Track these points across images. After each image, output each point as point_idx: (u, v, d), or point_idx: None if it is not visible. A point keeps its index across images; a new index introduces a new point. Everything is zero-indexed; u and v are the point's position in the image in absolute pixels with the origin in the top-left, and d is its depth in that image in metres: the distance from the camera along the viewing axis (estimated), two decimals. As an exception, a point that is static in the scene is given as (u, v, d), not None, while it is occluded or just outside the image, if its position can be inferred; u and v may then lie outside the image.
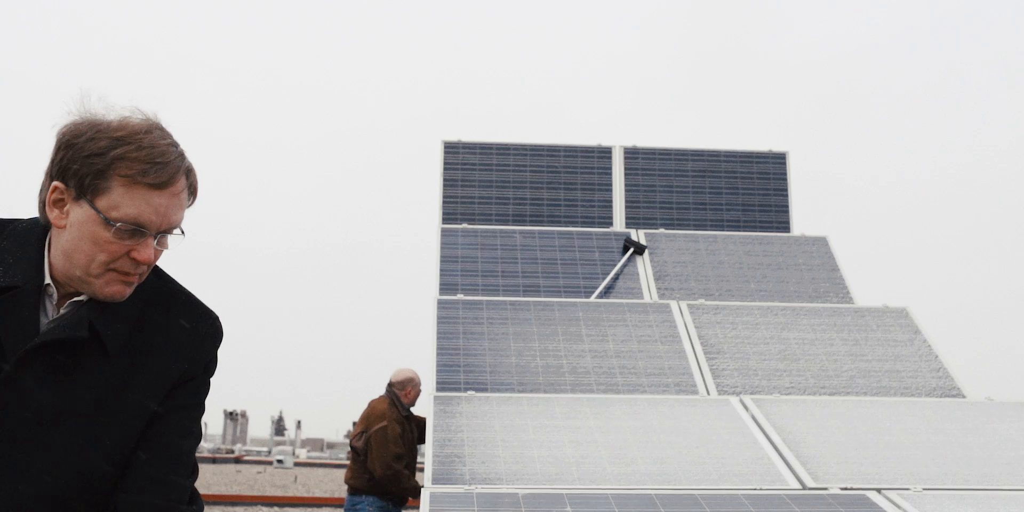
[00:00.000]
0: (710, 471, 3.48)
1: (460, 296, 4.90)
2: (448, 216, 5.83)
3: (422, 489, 3.29)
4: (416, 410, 6.02)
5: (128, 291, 1.56)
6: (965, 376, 4.46)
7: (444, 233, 5.56)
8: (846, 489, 3.36)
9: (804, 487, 3.38)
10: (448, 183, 5.93)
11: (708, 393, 4.26)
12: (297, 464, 32.09)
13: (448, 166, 5.99)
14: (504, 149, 6.06)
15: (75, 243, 1.52)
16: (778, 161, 6.15)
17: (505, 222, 5.82)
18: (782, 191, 6.06)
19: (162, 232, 1.55)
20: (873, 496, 3.26)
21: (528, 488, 3.29)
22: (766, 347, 4.60)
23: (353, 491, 5.92)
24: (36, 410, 1.50)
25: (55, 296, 1.56)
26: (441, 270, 5.29)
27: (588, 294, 5.20)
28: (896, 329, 4.79)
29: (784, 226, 5.97)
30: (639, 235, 5.66)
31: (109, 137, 1.50)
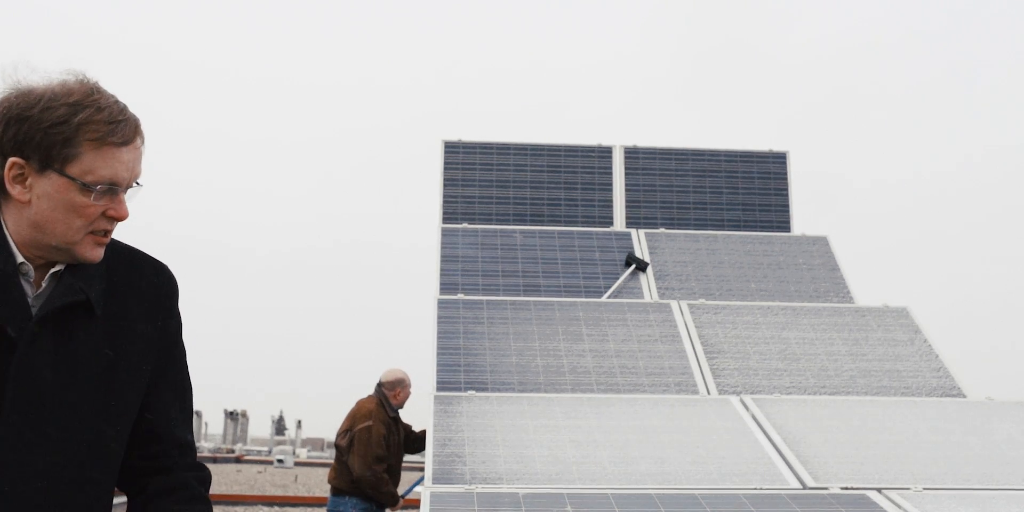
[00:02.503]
0: (710, 471, 3.48)
1: (460, 296, 4.90)
2: (448, 216, 5.83)
3: (423, 490, 3.29)
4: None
5: (103, 251, 1.58)
6: (965, 376, 4.46)
7: (444, 233, 5.57)
8: (847, 489, 3.36)
9: (804, 487, 3.38)
10: (448, 182, 5.93)
11: (708, 393, 4.26)
12: (298, 464, 32.11)
13: (448, 165, 5.99)
14: (504, 149, 6.06)
15: (49, 213, 1.51)
16: (778, 161, 6.15)
17: (505, 222, 5.82)
18: (782, 191, 6.06)
19: (128, 187, 1.56)
20: (874, 496, 3.26)
21: (528, 488, 3.29)
22: (766, 347, 4.60)
23: (336, 492, 5.78)
24: (49, 386, 1.52)
25: (31, 273, 1.56)
26: (441, 270, 5.29)
27: (589, 294, 5.20)
28: (896, 329, 4.79)
29: (784, 226, 5.97)
30: (639, 235, 5.66)
31: (65, 103, 1.49)
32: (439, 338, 4.54)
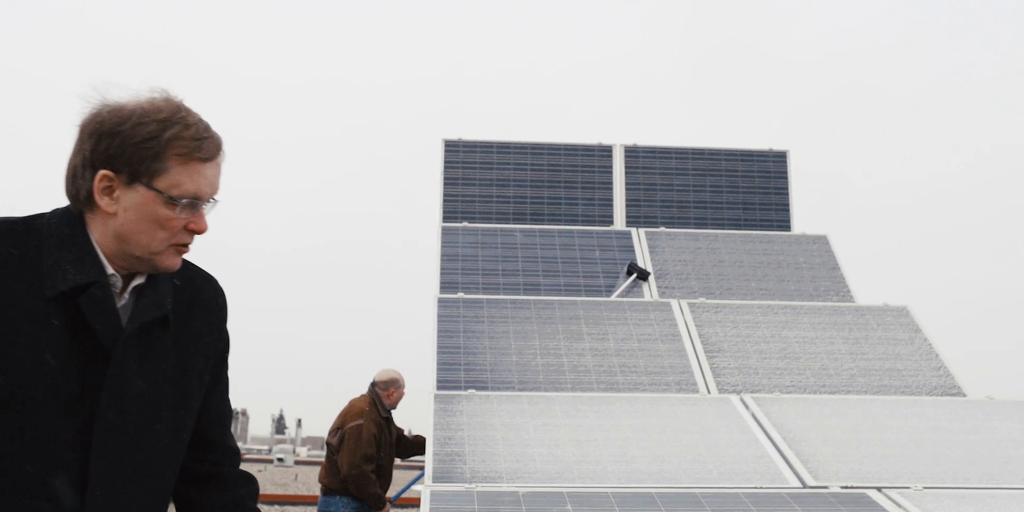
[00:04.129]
0: (710, 469, 3.49)
1: (460, 295, 4.90)
2: (448, 214, 5.82)
3: (423, 489, 3.29)
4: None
5: (180, 260, 1.65)
6: (965, 375, 4.46)
7: (444, 231, 5.56)
8: (847, 488, 3.36)
9: (804, 486, 3.38)
10: (449, 181, 5.93)
11: (708, 392, 4.26)
12: (298, 462, 32.11)
13: (449, 164, 5.99)
14: (505, 147, 6.06)
15: (134, 225, 1.57)
16: (779, 160, 6.15)
17: (506, 220, 5.82)
18: (783, 190, 6.06)
19: (207, 202, 1.63)
20: (874, 495, 3.26)
21: (529, 486, 3.29)
22: (767, 346, 4.60)
23: (327, 491, 5.69)
24: (137, 399, 1.58)
25: (118, 284, 1.61)
26: (442, 268, 5.29)
27: (589, 293, 5.20)
28: (897, 328, 4.79)
29: (785, 225, 5.97)
30: (639, 234, 5.66)
31: (155, 120, 1.55)
32: (439, 337, 4.54)
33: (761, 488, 3.33)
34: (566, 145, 6.11)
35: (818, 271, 5.45)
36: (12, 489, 1.50)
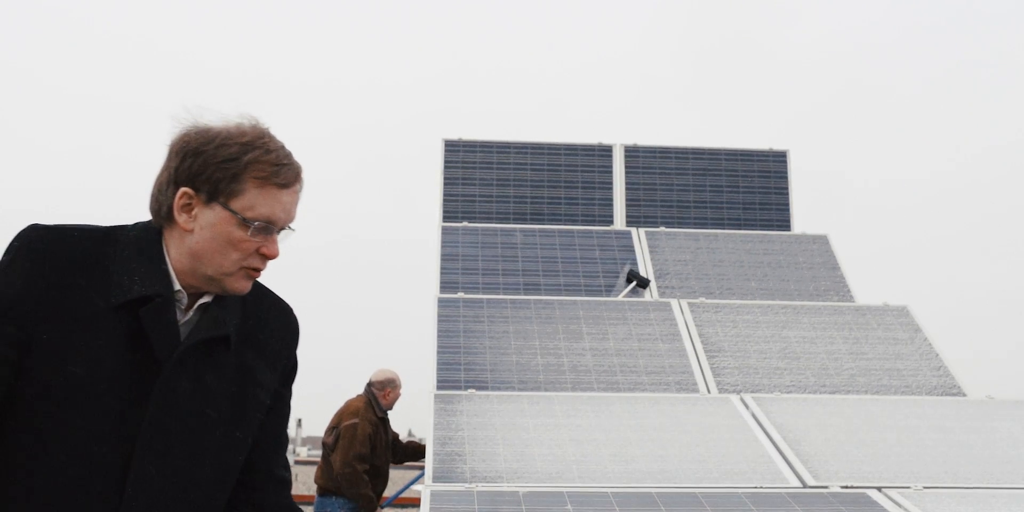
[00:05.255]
0: (711, 469, 3.48)
1: (461, 294, 4.90)
2: (449, 214, 5.82)
3: (423, 489, 3.29)
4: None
5: (250, 285, 1.67)
6: (965, 375, 4.46)
7: (445, 231, 5.56)
8: (847, 487, 3.36)
9: (805, 485, 3.38)
10: (449, 181, 5.93)
11: (709, 391, 4.26)
12: (298, 462, 32.04)
13: (449, 164, 5.99)
14: (505, 147, 6.06)
15: (208, 244, 1.60)
16: (779, 159, 6.15)
17: (506, 220, 5.82)
18: (783, 189, 6.06)
19: (282, 228, 1.65)
20: (874, 494, 3.26)
21: (529, 486, 3.29)
22: (767, 345, 4.60)
23: (322, 492, 5.65)
24: (186, 413, 1.59)
25: (184, 300, 1.64)
26: (442, 268, 5.29)
27: (589, 292, 5.20)
28: (897, 327, 4.79)
29: (785, 224, 5.97)
30: (639, 234, 5.66)
31: (238, 143, 1.60)
32: (439, 336, 4.54)
33: (761, 488, 3.33)
34: (566, 145, 6.11)
35: (818, 271, 5.45)
36: (52, 487, 1.52)
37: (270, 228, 1.61)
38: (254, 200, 1.59)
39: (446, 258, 5.36)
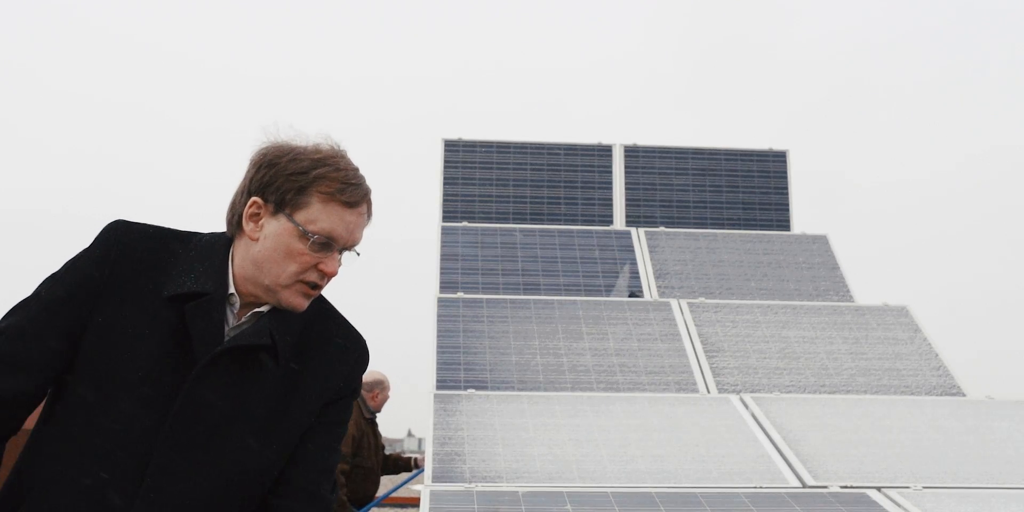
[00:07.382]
0: (710, 469, 3.48)
1: (460, 294, 4.89)
2: (448, 214, 5.82)
3: (423, 489, 3.29)
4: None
5: (307, 303, 1.68)
6: (965, 374, 4.46)
7: (444, 231, 5.56)
8: (846, 487, 3.36)
9: (804, 485, 3.38)
10: (448, 181, 5.93)
11: (708, 391, 4.26)
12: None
13: (448, 164, 5.99)
14: (504, 147, 6.06)
15: (269, 253, 1.64)
16: (779, 159, 6.15)
17: (505, 220, 5.81)
18: (783, 189, 6.06)
19: (345, 248, 1.67)
20: (873, 494, 3.26)
21: (528, 486, 3.29)
22: (766, 345, 4.60)
23: None
24: (213, 412, 1.61)
25: (237, 305, 1.66)
26: (441, 268, 5.29)
27: (589, 292, 5.20)
28: (896, 327, 4.79)
29: (784, 224, 5.97)
30: (639, 234, 5.66)
31: (310, 158, 1.65)
32: (439, 336, 4.54)
33: (761, 488, 3.33)
34: (566, 145, 6.11)
35: (818, 271, 5.45)
36: (80, 460, 1.56)
37: (330, 244, 1.64)
38: (317, 214, 1.62)
39: (446, 258, 5.36)
